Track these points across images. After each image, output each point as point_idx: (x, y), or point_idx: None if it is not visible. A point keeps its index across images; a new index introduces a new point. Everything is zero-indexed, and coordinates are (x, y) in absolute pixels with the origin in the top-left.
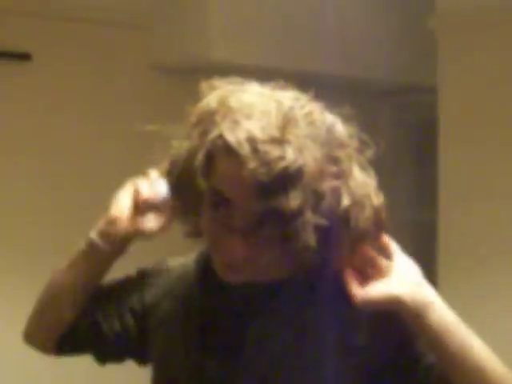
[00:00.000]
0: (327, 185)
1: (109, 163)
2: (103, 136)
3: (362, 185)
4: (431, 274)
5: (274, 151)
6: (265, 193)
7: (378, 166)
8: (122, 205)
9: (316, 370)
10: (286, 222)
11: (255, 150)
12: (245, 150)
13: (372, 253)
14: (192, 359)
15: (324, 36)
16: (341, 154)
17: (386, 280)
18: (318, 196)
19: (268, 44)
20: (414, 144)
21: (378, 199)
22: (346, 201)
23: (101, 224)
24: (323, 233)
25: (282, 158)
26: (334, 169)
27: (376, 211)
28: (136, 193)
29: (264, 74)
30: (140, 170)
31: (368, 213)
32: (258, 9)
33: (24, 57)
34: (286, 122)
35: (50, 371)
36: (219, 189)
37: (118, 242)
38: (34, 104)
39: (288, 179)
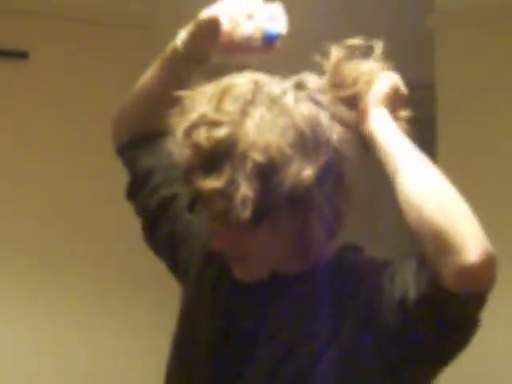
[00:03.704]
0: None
1: (106, 162)
2: (101, 135)
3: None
4: None
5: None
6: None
7: (374, 165)
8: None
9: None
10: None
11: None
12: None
13: None
14: (219, 323)
15: (329, 35)
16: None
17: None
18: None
19: None
20: (412, 141)
21: None
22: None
23: (193, 27)
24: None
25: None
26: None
27: None
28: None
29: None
30: None
31: None
32: None
33: (21, 55)
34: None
35: (50, 371)
36: None
37: (205, 49)
38: (31, 102)
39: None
